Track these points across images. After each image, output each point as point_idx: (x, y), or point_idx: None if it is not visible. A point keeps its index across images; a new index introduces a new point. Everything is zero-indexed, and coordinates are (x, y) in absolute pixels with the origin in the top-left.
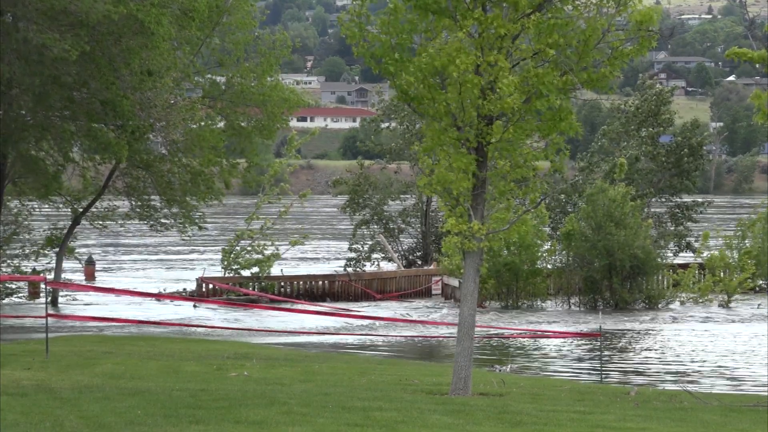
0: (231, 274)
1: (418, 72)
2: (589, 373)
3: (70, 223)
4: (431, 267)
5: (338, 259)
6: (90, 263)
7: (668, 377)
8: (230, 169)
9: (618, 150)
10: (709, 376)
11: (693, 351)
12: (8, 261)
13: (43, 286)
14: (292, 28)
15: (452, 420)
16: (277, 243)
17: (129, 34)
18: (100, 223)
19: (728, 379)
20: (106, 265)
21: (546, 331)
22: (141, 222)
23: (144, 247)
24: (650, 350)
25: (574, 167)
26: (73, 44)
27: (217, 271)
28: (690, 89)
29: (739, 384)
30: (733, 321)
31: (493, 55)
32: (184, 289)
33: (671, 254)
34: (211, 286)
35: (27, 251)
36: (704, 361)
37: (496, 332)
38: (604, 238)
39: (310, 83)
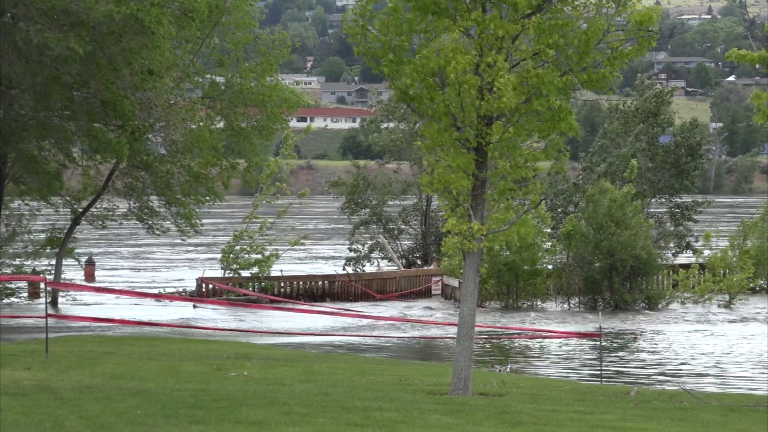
0: (230, 275)
1: (414, 73)
2: (589, 373)
3: (70, 223)
4: (431, 267)
5: (338, 259)
6: (90, 263)
7: (668, 377)
8: (230, 169)
9: (617, 149)
10: (709, 376)
11: (693, 351)
12: (8, 261)
13: (43, 286)
14: (291, 28)
15: (452, 420)
16: (276, 243)
17: (129, 34)
18: (100, 223)
19: (728, 379)
20: (105, 266)
21: (546, 331)
22: (140, 223)
23: (144, 248)
24: (650, 350)
25: (576, 167)
26: (77, 42)
27: (216, 272)
28: (690, 89)
29: (739, 384)
30: (734, 321)
31: (492, 56)
32: (184, 290)
33: (671, 255)
34: (210, 286)
35: (27, 251)
36: (704, 362)
37: (496, 332)
38: (607, 238)
39: (310, 83)
